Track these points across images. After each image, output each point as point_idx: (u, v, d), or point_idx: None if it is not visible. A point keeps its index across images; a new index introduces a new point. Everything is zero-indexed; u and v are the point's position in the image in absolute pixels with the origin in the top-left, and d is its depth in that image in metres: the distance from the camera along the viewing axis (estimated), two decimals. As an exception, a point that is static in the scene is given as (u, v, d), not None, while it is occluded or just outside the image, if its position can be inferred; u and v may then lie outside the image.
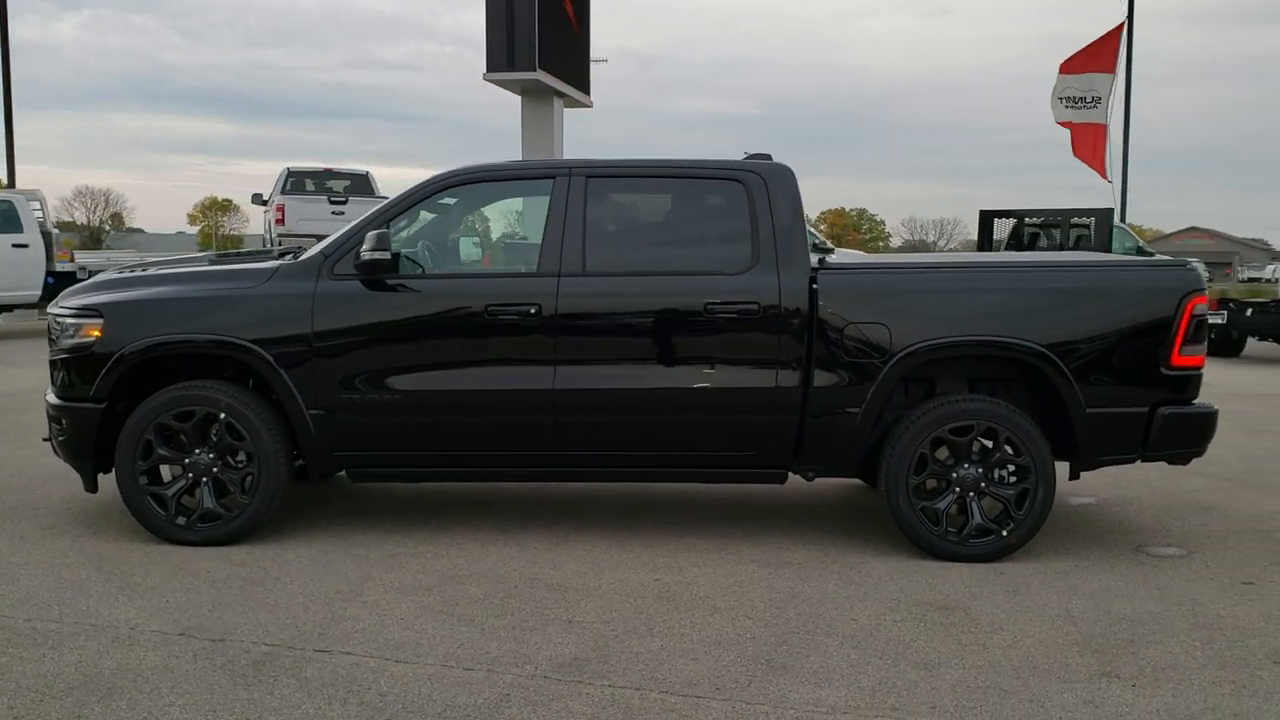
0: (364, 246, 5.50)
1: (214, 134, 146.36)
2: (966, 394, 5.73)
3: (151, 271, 6.08)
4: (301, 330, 5.58)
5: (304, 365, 5.58)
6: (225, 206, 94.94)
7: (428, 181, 5.86)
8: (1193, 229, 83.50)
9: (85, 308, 5.72)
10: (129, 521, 5.97)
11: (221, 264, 6.26)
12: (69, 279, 16.81)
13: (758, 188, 5.73)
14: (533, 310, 5.59)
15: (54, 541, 5.74)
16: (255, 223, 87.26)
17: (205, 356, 5.83)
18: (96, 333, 5.63)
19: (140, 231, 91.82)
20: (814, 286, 5.59)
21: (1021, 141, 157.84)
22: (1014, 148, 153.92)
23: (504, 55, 18.75)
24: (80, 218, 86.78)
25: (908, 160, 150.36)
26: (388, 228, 5.69)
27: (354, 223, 5.88)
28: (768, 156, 6.09)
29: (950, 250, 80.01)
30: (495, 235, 8.80)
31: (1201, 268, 6.99)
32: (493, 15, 18.62)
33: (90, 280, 6.09)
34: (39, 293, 16.61)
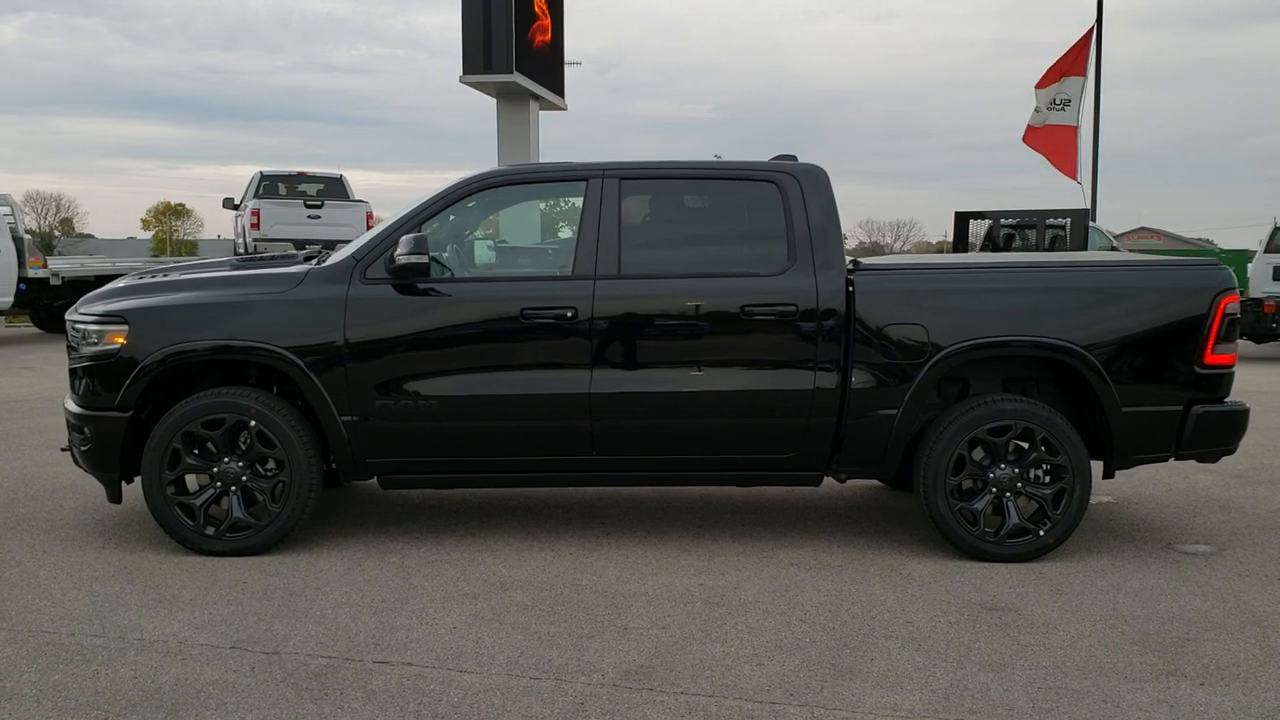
0: (399, 250, 5.41)
1: (164, 138, 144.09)
2: (1003, 394, 5.74)
3: (173, 277, 5.94)
4: (335, 335, 5.48)
5: (337, 371, 5.48)
6: (179, 211, 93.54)
7: (459, 184, 5.78)
8: (1142, 229, 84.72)
9: (109, 314, 5.58)
10: (150, 531, 5.85)
11: (246, 268, 6.13)
12: (41, 285, 16.52)
13: (792, 189, 5.72)
14: (569, 313, 5.53)
15: (78, 554, 5.59)
16: (210, 227, 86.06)
17: (231, 362, 5.72)
18: (122, 339, 5.49)
19: (91, 237, 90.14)
20: (850, 288, 5.58)
21: (974, 144, 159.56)
22: (967, 150, 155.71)
23: (480, 57, 18.63)
24: (30, 223, 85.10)
25: (860, 163, 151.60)
26: (420, 230, 5.61)
27: (385, 225, 5.79)
28: (794, 158, 6.08)
29: (905, 252, 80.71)
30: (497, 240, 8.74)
31: None
32: (469, 18, 18.50)
33: (110, 286, 5.95)
34: (10, 299, 16.27)
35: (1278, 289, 17.41)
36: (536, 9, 19.66)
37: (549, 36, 20.40)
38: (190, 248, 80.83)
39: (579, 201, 5.82)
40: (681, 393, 5.59)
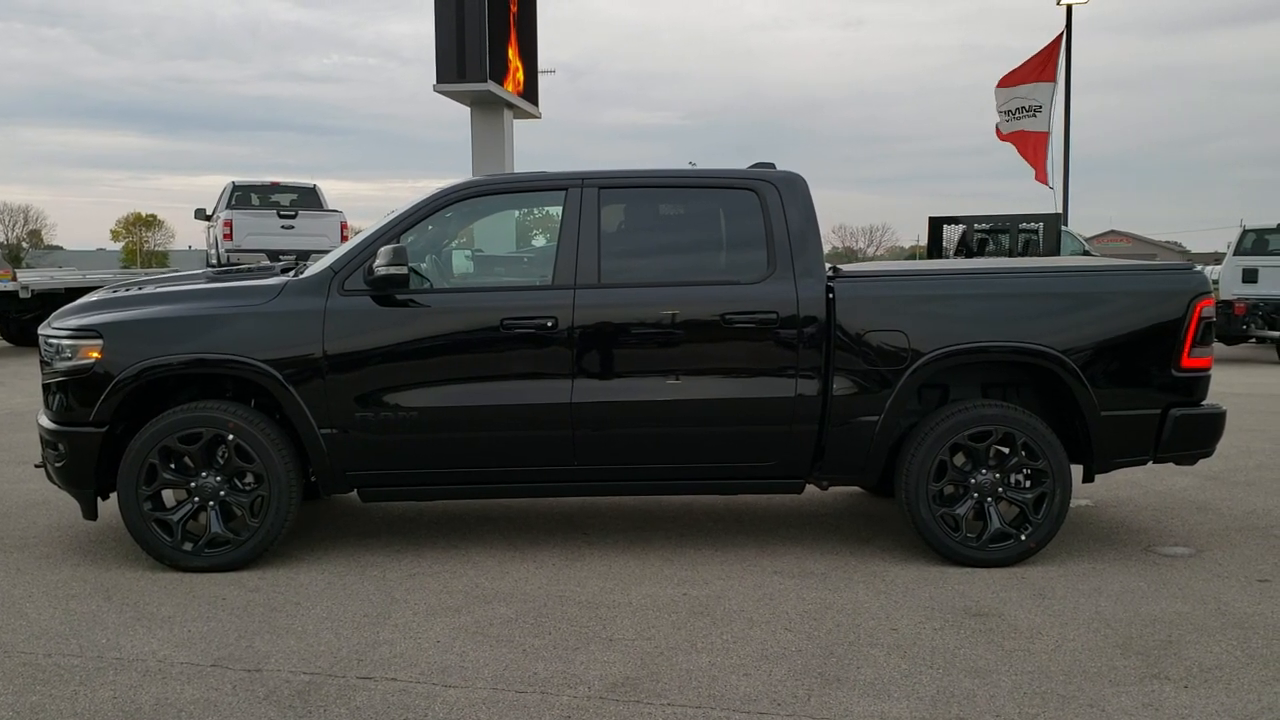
0: (378, 262, 5.37)
1: (133, 148, 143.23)
2: (983, 400, 5.76)
3: (148, 290, 5.87)
4: (313, 348, 5.43)
5: (316, 384, 5.43)
6: (149, 222, 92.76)
7: (438, 194, 5.75)
8: (1112, 232, 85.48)
9: (83, 328, 5.51)
10: (126, 548, 5.77)
11: (222, 281, 6.07)
12: (10, 298, 16.33)
13: (771, 196, 5.72)
14: (549, 323, 5.51)
15: (54, 571, 5.51)
16: (181, 238, 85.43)
17: (208, 376, 5.66)
18: (96, 354, 5.42)
19: (60, 248, 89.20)
20: (830, 295, 5.59)
21: (945, 149, 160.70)
22: (938, 155, 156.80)
23: (454, 66, 18.58)
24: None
25: (832, 169, 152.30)
26: (399, 241, 5.57)
27: (363, 236, 5.75)
28: (772, 165, 6.09)
29: (879, 257, 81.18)
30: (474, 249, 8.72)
31: None
32: (442, 26, 18.44)
33: (83, 300, 5.88)
34: (-21, 313, 16.06)
35: (1248, 291, 17.59)
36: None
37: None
38: (161, 259, 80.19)
39: (554, 210, 5.80)
40: (663, 401, 5.57)
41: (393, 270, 5.35)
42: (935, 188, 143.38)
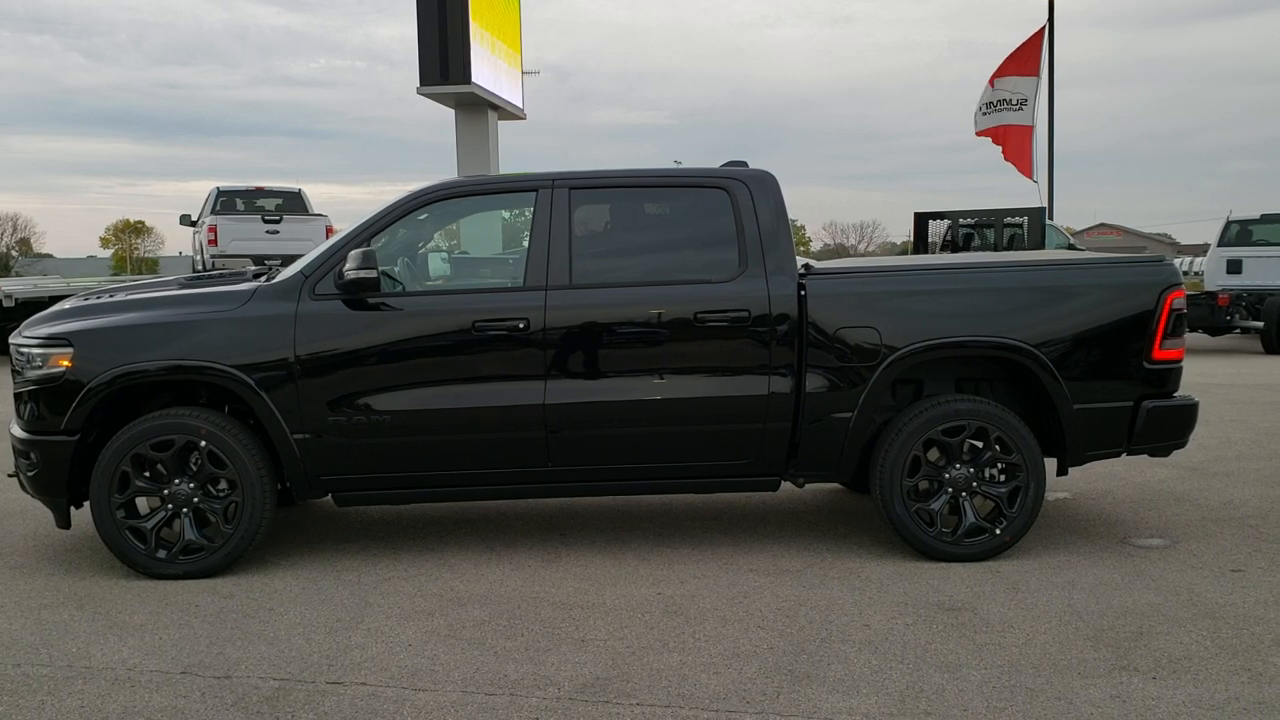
0: (348, 265, 5.37)
1: (123, 155, 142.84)
2: (956, 395, 5.77)
3: (119, 298, 5.86)
4: (285, 353, 5.42)
5: (288, 389, 5.42)
6: (139, 229, 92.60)
7: (409, 197, 5.74)
8: (1101, 225, 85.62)
9: (53, 336, 5.49)
10: (101, 556, 5.76)
11: (193, 287, 6.06)
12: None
13: (742, 194, 5.72)
14: (521, 325, 5.50)
15: (27, 581, 5.50)
16: (171, 244, 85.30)
17: (180, 383, 5.64)
18: (66, 362, 5.41)
19: (50, 256, 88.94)
20: (802, 292, 5.59)
21: (934, 145, 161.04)
22: (927, 151, 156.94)
23: (437, 68, 18.61)
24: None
25: (822, 166, 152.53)
26: (369, 245, 5.56)
27: (334, 240, 5.74)
28: (744, 164, 6.09)
29: (870, 253, 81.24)
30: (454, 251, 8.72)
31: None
32: (424, 28, 18.46)
33: (54, 308, 5.86)
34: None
35: (1232, 282, 17.63)
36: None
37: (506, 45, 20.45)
38: (151, 265, 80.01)
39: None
40: (636, 401, 5.57)
41: (363, 274, 5.34)
42: (925, 183, 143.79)
